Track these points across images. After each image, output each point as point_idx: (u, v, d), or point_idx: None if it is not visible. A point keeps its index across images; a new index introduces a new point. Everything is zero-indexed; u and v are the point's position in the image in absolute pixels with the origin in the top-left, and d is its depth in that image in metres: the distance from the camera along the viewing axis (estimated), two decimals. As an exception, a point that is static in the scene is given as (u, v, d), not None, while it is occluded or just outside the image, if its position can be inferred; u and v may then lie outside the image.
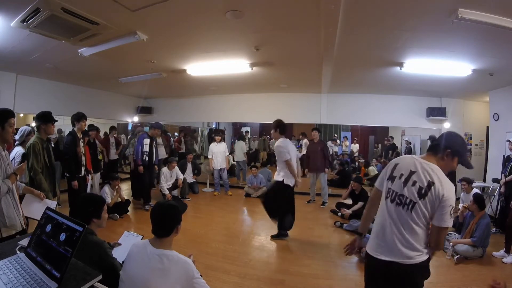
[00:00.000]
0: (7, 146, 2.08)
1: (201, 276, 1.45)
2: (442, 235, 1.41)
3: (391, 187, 1.50)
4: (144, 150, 4.84)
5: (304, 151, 9.17)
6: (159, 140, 6.67)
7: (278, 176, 3.67)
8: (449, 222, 1.37)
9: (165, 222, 1.46)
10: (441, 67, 3.96)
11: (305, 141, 9.38)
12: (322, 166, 5.65)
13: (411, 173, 1.45)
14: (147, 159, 4.86)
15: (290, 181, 3.64)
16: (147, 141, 4.88)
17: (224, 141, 6.75)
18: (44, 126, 2.86)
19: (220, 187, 6.57)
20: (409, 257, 1.39)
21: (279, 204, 3.71)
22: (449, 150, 1.46)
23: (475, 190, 4.23)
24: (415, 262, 1.40)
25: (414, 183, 1.42)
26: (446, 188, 1.36)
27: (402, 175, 1.48)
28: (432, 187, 1.37)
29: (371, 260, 1.53)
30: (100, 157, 5.51)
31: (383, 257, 1.45)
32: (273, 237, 3.86)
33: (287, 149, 3.58)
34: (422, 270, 1.43)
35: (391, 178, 1.53)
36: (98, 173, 5.34)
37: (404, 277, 1.42)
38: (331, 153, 10.20)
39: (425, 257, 1.42)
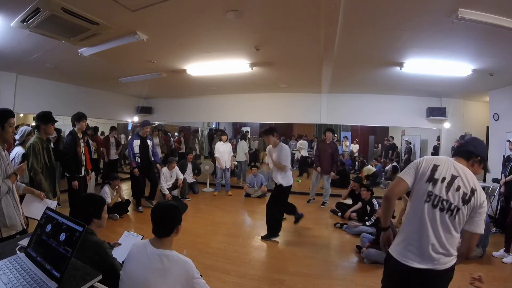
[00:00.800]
0: (6, 146, 2.08)
1: (201, 276, 1.45)
2: (475, 241, 1.44)
3: (432, 191, 1.43)
4: (135, 152, 4.81)
5: (302, 152, 9.23)
6: (156, 140, 6.68)
7: (281, 180, 3.70)
8: (482, 228, 1.41)
9: (165, 222, 1.46)
10: (441, 67, 3.96)
11: (300, 142, 9.44)
12: (329, 168, 5.61)
13: (454, 177, 1.42)
14: (139, 160, 4.83)
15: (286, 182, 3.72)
16: (136, 142, 4.84)
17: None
18: (44, 126, 2.86)
19: (220, 187, 6.57)
20: (445, 263, 1.40)
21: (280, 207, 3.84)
22: (479, 157, 1.49)
23: None
24: (449, 266, 1.41)
25: (458, 188, 1.40)
26: (483, 195, 1.41)
27: (444, 178, 1.43)
28: (475, 194, 1.39)
29: (399, 266, 1.45)
30: (95, 155, 5.51)
31: (417, 264, 1.40)
32: (263, 238, 3.84)
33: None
34: (452, 272, 1.45)
35: (432, 180, 1.44)
36: (93, 173, 5.32)
37: (438, 283, 1.42)
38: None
39: (455, 260, 1.44)
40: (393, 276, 1.55)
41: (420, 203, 1.45)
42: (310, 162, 9.30)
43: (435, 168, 1.46)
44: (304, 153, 9.24)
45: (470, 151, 1.50)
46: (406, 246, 1.46)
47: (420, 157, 1.85)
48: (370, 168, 8.10)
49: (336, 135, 11.46)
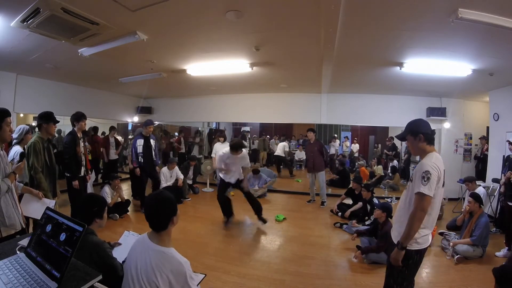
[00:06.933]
0: (4, 146, 2.08)
1: (205, 275, 1.43)
2: None
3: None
4: (138, 152, 4.77)
5: (277, 152, 9.34)
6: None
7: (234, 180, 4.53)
8: None
9: (159, 216, 1.39)
10: (441, 67, 3.96)
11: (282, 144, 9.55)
12: (320, 166, 5.62)
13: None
14: (142, 160, 4.79)
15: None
16: (140, 141, 4.79)
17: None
18: (46, 125, 2.87)
19: None
20: None
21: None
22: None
23: (481, 189, 4.25)
24: None
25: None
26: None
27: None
28: None
29: (424, 251, 1.77)
30: (89, 156, 5.50)
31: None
32: (227, 224, 4.47)
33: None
34: None
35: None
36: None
37: None
38: (333, 152, 10.24)
39: None
40: (419, 262, 1.79)
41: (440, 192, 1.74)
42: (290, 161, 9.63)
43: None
44: (279, 153, 9.32)
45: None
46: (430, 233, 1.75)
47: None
48: (380, 169, 8.09)
49: (336, 135, 11.55)
